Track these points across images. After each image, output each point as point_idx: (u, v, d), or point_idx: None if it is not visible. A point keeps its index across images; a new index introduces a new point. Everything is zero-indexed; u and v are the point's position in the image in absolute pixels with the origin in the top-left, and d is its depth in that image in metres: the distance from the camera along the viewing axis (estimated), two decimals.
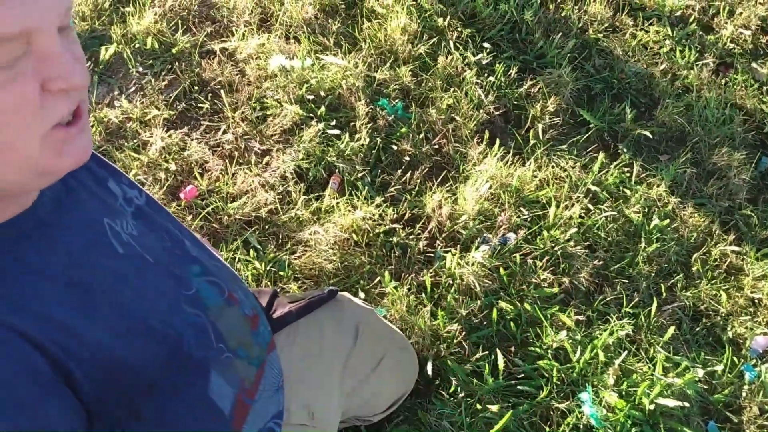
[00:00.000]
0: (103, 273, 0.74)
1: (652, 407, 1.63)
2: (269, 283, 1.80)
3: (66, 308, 0.67)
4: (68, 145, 0.64)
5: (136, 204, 0.91)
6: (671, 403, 1.63)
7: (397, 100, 2.27)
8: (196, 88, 2.24)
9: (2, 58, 0.55)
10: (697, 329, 1.88)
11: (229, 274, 1.01)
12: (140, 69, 2.26)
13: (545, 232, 1.96)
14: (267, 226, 1.91)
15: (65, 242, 0.72)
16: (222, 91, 2.21)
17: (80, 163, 0.66)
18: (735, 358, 1.80)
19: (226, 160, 2.05)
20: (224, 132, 2.12)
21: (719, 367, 1.77)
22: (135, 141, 2.05)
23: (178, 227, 1.00)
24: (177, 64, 2.28)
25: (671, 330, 1.81)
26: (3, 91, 0.56)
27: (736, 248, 2.05)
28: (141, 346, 0.74)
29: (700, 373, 1.73)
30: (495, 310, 1.78)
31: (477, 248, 1.90)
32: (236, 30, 2.42)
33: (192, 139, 2.09)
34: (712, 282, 1.97)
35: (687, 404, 1.66)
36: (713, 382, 1.76)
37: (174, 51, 2.30)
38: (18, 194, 0.68)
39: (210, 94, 2.22)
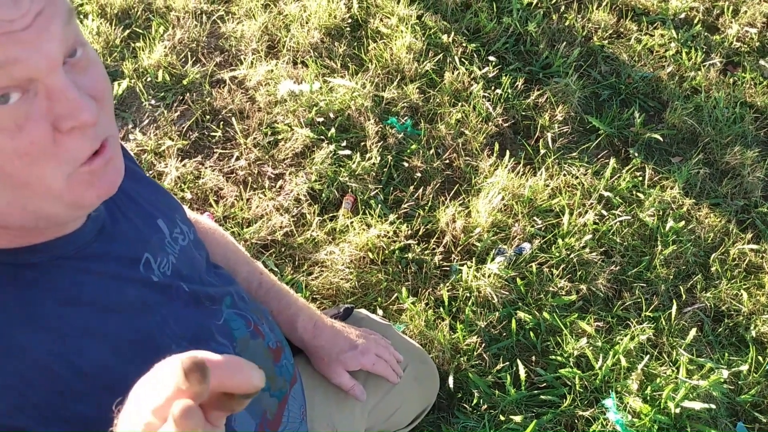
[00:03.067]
0: (129, 301, 0.76)
1: (678, 411, 1.62)
2: None
3: (82, 330, 0.69)
4: (96, 177, 0.63)
5: (181, 244, 0.92)
6: (697, 405, 1.61)
7: (406, 118, 2.29)
8: (208, 117, 2.28)
9: None
10: (719, 330, 1.86)
11: (255, 308, 1.03)
12: (153, 102, 2.31)
13: (560, 241, 1.96)
14: (283, 249, 1.94)
15: (98, 271, 0.74)
16: (233, 118, 2.25)
17: (108, 195, 0.66)
18: (760, 357, 1.78)
19: (241, 186, 2.08)
20: (237, 158, 2.16)
21: (744, 367, 1.75)
22: (151, 172, 2.09)
23: (212, 263, 1.02)
24: (188, 94, 2.33)
25: (693, 332, 1.79)
26: (13, 140, 0.55)
27: (755, 246, 2.03)
28: None
29: (725, 374, 1.71)
30: (514, 321, 1.78)
31: (492, 260, 1.90)
32: (245, 58, 2.46)
33: (206, 167, 2.12)
34: (732, 281, 1.95)
35: (713, 406, 1.64)
36: (739, 382, 1.74)
37: (185, 82, 2.35)
38: (59, 224, 0.69)
39: (222, 122, 2.26)
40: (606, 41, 2.65)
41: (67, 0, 0.59)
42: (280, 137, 2.20)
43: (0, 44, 0.52)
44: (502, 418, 1.61)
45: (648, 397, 1.66)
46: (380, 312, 1.79)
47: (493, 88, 2.41)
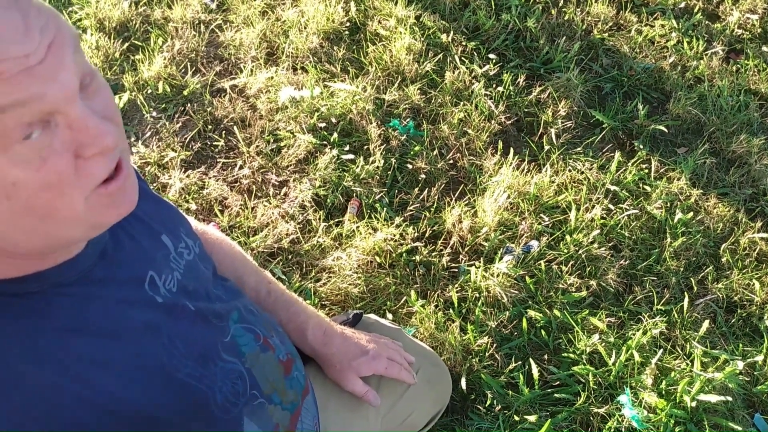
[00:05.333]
0: (134, 325, 0.75)
1: (694, 404, 1.60)
2: None
3: (85, 358, 0.67)
4: (114, 199, 0.63)
5: (187, 259, 0.91)
6: (713, 398, 1.60)
7: (408, 120, 2.28)
8: (210, 126, 2.27)
9: (18, 132, 0.53)
10: (732, 321, 1.85)
11: (264, 320, 1.01)
12: (154, 114, 2.31)
13: (568, 237, 1.94)
14: (290, 257, 1.93)
15: (101, 296, 0.73)
16: (235, 127, 2.25)
17: (127, 212, 0.66)
18: None
19: (245, 195, 2.08)
20: (241, 167, 2.15)
21: (759, 358, 1.73)
22: (155, 185, 2.09)
23: (220, 276, 1.01)
24: (189, 105, 2.32)
25: (706, 324, 1.78)
26: (38, 172, 0.55)
27: (765, 235, 2.01)
28: (165, 397, 0.74)
29: (740, 365, 1.69)
30: (524, 320, 1.77)
31: (501, 259, 1.89)
32: (244, 66, 2.46)
33: (210, 177, 2.12)
34: (744, 271, 1.94)
35: (730, 398, 1.63)
36: (755, 373, 1.72)
37: (185, 93, 2.35)
38: (74, 245, 0.69)
39: (224, 132, 2.26)
40: (606, 34, 2.64)
41: (72, 26, 0.59)
42: (282, 144, 2.19)
43: (19, 82, 0.52)
44: (516, 418, 1.60)
45: (663, 392, 1.64)
46: (390, 316, 1.79)
47: (494, 85, 2.40)
